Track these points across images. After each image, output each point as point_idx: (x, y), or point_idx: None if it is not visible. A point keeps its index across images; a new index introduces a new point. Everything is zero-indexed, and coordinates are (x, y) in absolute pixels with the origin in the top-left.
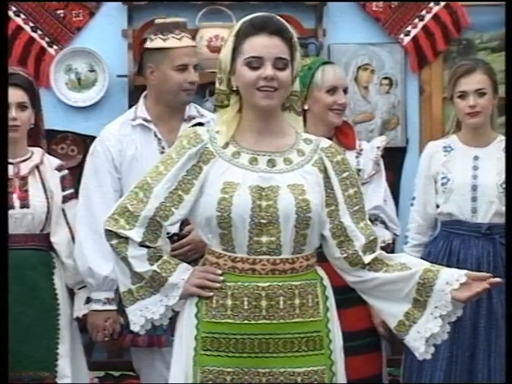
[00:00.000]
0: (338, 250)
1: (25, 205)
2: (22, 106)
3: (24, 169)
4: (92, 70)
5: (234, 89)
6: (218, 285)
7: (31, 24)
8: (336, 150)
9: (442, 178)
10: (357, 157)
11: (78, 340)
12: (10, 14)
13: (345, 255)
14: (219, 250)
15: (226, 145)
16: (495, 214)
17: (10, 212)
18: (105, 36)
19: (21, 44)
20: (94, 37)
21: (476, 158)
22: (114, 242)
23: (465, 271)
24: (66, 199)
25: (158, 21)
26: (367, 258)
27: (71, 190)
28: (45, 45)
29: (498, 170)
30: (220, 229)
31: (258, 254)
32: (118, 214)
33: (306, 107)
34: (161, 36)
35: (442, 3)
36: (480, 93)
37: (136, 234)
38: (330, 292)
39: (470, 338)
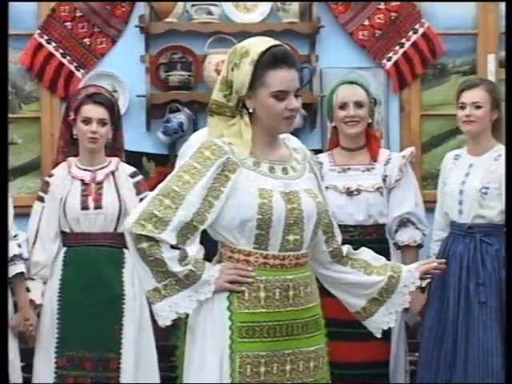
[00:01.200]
0: (324, 245)
1: (98, 206)
2: (102, 122)
3: (100, 175)
4: (114, 91)
5: (250, 111)
6: (250, 280)
7: (61, 51)
8: (314, 155)
9: (442, 183)
10: (385, 164)
11: (149, 327)
12: (42, 41)
13: (330, 249)
14: (249, 249)
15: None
16: (475, 216)
17: (85, 212)
18: (125, 61)
19: (52, 68)
20: (116, 62)
21: (471, 165)
22: (145, 245)
23: (417, 274)
24: (141, 202)
25: None
26: (344, 250)
27: (146, 193)
28: (73, 69)
29: (481, 177)
30: (257, 230)
31: (287, 250)
32: (143, 220)
33: (333, 124)
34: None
35: (420, 32)
36: (476, 106)
37: (169, 237)
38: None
39: (453, 324)
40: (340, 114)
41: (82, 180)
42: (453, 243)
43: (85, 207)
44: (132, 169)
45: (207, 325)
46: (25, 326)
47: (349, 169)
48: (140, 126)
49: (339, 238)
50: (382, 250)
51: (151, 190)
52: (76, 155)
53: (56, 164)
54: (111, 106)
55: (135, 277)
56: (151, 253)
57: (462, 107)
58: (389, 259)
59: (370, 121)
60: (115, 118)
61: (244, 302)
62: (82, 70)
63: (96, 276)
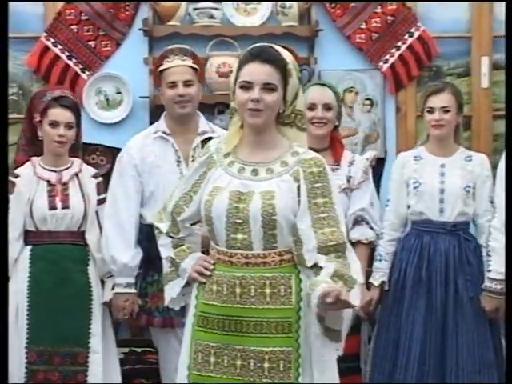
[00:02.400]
0: (294, 247)
1: (66, 206)
2: (69, 126)
3: (65, 176)
4: (118, 92)
5: (236, 108)
6: (207, 272)
7: (67, 53)
8: (315, 162)
9: (414, 183)
10: (349, 166)
11: (108, 321)
12: (49, 44)
13: (296, 253)
14: (212, 244)
15: (227, 155)
16: (459, 213)
17: (53, 212)
18: (129, 63)
19: (58, 70)
20: (120, 64)
21: (442, 165)
22: (156, 232)
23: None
24: (99, 202)
25: (167, 47)
26: (310, 262)
27: (104, 195)
28: (78, 71)
29: (461, 176)
30: (207, 225)
31: (234, 248)
32: (162, 209)
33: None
34: (167, 59)
35: (416, 35)
36: (445, 110)
37: (164, 226)
38: (305, 284)
39: (440, 320)
40: (308, 115)
41: (48, 181)
42: (432, 241)
43: (53, 207)
44: (94, 170)
45: (190, 313)
46: None
47: None
48: (143, 127)
49: (308, 245)
50: None
51: None
52: (36, 154)
53: (16, 162)
54: (77, 109)
55: (97, 274)
56: (158, 241)
57: (430, 111)
58: None
59: (337, 123)
60: (80, 121)
61: (204, 292)
62: (87, 72)
63: (63, 272)
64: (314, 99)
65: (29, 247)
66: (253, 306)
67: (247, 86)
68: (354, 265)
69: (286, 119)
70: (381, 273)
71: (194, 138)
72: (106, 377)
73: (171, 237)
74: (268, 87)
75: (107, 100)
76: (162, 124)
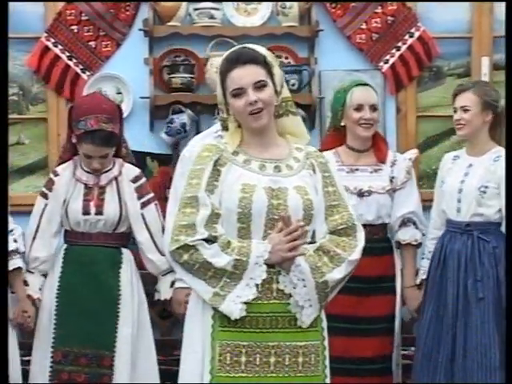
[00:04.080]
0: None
1: (99, 212)
2: (103, 157)
3: (103, 179)
4: (119, 93)
5: (230, 115)
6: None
7: (67, 53)
8: (320, 154)
9: (441, 182)
10: (391, 166)
11: (147, 325)
12: (49, 44)
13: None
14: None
15: (236, 153)
16: (473, 213)
17: (86, 217)
18: (129, 63)
19: (58, 71)
20: (120, 64)
21: (470, 165)
22: (185, 257)
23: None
24: (143, 205)
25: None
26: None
27: (148, 196)
28: (79, 71)
29: (480, 176)
30: (239, 223)
31: None
32: (176, 235)
33: (342, 124)
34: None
35: (416, 36)
36: (464, 109)
37: (201, 235)
38: None
39: (452, 319)
40: (355, 116)
41: (86, 184)
42: (450, 241)
43: (86, 212)
44: (134, 173)
45: (196, 313)
46: (23, 318)
47: (357, 169)
48: (144, 127)
49: (322, 232)
50: (388, 248)
51: (154, 189)
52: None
53: (61, 160)
54: (111, 140)
55: (133, 276)
56: (194, 261)
57: (455, 111)
58: (392, 256)
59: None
60: (116, 143)
61: None
62: (87, 73)
63: (94, 275)
64: (361, 100)
65: (65, 246)
66: (288, 301)
67: (239, 93)
68: (360, 244)
69: (280, 109)
70: (422, 271)
71: None
72: (144, 378)
73: (211, 240)
74: (259, 85)
75: None
76: None
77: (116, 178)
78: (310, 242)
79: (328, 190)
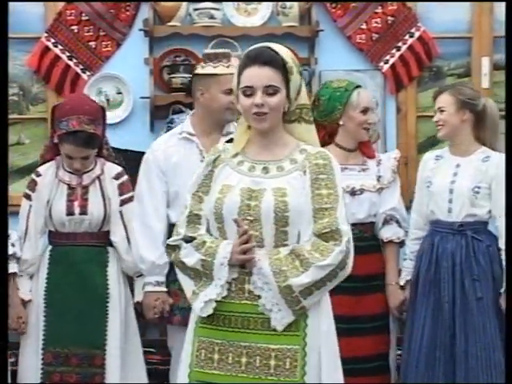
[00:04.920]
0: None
1: (83, 212)
2: (85, 158)
3: (86, 179)
4: (119, 93)
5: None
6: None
7: (67, 54)
8: (321, 155)
9: (427, 182)
10: (377, 165)
11: (133, 323)
12: (49, 44)
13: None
14: None
15: (236, 155)
16: (467, 213)
17: (71, 218)
18: (130, 63)
19: (58, 71)
20: (121, 64)
21: (458, 165)
22: (172, 256)
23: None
24: (123, 203)
25: (207, 51)
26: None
27: (129, 195)
28: (79, 71)
29: (472, 176)
30: (216, 223)
31: None
32: (173, 237)
33: (341, 123)
34: (211, 64)
35: (416, 36)
36: (441, 110)
37: (178, 235)
38: None
39: (449, 320)
40: (361, 118)
41: (69, 184)
42: (441, 241)
43: (70, 213)
44: (116, 170)
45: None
46: (17, 324)
47: (346, 168)
48: (144, 127)
49: (307, 235)
50: (377, 245)
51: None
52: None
53: (43, 160)
54: (93, 141)
55: (120, 275)
56: (176, 260)
57: (435, 113)
58: (381, 254)
59: None
60: (97, 144)
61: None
62: (87, 73)
63: (81, 274)
64: (369, 103)
65: (50, 247)
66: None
67: (249, 92)
68: (336, 249)
69: (292, 116)
70: (406, 272)
71: (218, 138)
72: (132, 377)
73: (190, 239)
74: (270, 90)
75: (107, 100)
76: (187, 124)
77: (98, 177)
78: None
79: (320, 193)
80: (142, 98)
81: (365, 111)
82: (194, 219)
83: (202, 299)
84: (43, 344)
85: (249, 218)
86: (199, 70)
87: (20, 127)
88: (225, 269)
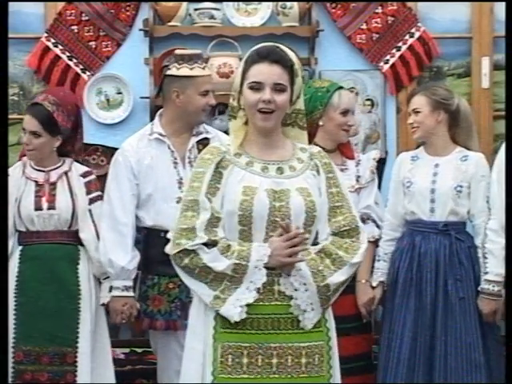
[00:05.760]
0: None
1: (51, 207)
2: (34, 134)
3: (53, 176)
4: (119, 93)
5: (242, 107)
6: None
7: (67, 54)
8: (324, 154)
9: (407, 182)
10: (356, 165)
11: (102, 321)
12: (49, 44)
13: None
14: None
15: (239, 155)
16: (450, 213)
17: (39, 213)
18: (130, 63)
19: (58, 71)
20: (121, 64)
21: (437, 165)
22: (186, 260)
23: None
24: (91, 201)
25: (180, 51)
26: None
27: (97, 193)
28: (79, 71)
29: (453, 176)
30: (240, 225)
31: None
32: (177, 239)
33: (320, 123)
34: (186, 65)
35: (416, 36)
36: (416, 111)
37: (200, 239)
38: None
39: (430, 319)
40: (341, 120)
41: (36, 181)
42: (423, 241)
43: (38, 208)
44: (84, 168)
45: (198, 315)
46: None
47: None
48: (144, 127)
49: (325, 234)
50: None
51: None
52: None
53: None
54: (46, 118)
55: (90, 273)
56: (194, 265)
57: (409, 115)
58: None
59: None
60: (54, 130)
61: None
62: (87, 73)
63: (51, 272)
64: (349, 105)
65: (20, 247)
66: (289, 303)
67: (257, 87)
68: (362, 246)
69: (288, 119)
70: (379, 273)
71: (189, 139)
72: (100, 376)
73: (212, 244)
74: (278, 88)
75: (108, 100)
76: (157, 125)
77: (66, 174)
78: (314, 244)
79: (332, 191)
80: (142, 97)
81: (345, 113)
82: (213, 222)
83: (236, 304)
84: (14, 343)
85: (276, 219)
86: (174, 72)
87: (20, 127)
88: (260, 272)
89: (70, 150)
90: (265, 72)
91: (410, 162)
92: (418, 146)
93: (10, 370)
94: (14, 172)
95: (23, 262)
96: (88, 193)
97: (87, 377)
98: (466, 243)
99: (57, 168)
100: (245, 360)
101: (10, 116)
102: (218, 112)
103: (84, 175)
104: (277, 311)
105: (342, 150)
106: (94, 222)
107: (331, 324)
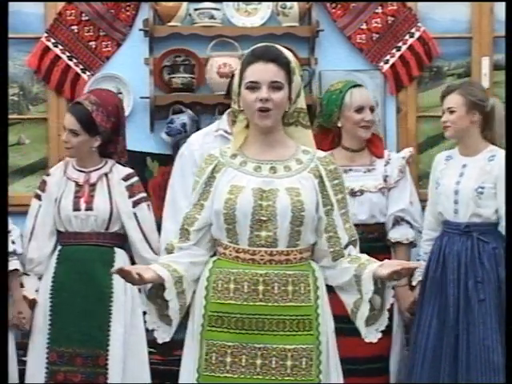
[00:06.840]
0: (327, 244)
1: (89, 208)
2: (73, 132)
3: (94, 177)
4: (119, 93)
5: (242, 108)
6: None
7: (67, 54)
8: (330, 160)
9: (436, 183)
10: (385, 165)
11: (140, 322)
12: (49, 44)
13: (331, 250)
14: (225, 242)
15: (235, 156)
16: (472, 214)
17: (77, 213)
18: (130, 63)
19: (59, 71)
20: (121, 64)
21: (464, 166)
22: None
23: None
24: (135, 204)
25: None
26: (346, 253)
27: (140, 195)
28: (79, 71)
29: (476, 177)
30: (226, 224)
31: (258, 246)
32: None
33: (339, 125)
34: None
35: (417, 36)
36: (451, 111)
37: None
38: (320, 282)
39: (453, 320)
40: (356, 118)
41: (76, 181)
42: (448, 242)
43: (76, 208)
44: (126, 171)
45: (194, 312)
46: (18, 320)
47: (350, 170)
48: (144, 127)
49: (344, 240)
50: (383, 247)
51: (154, 189)
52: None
53: (59, 161)
54: (84, 117)
55: None
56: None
57: (443, 113)
58: (390, 256)
59: None
60: (92, 129)
61: (217, 292)
62: (87, 73)
63: (86, 274)
64: (362, 101)
65: (59, 248)
66: (276, 304)
67: (254, 87)
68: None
69: (290, 118)
70: (418, 272)
71: None
72: (135, 377)
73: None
74: (275, 86)
75: None
76: (223, 122)
77: (106, 176)
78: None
79: (338, 198)
80: (142, 98)
81: (359, 110)
82: (185, 232)
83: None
84: (48, 343)
85: (262, 218)
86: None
87: (20, 127)
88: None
89: (113, 152)
90: (261, 71)
91: (444, 162)
92: (419, 146)
93: (44, 371)
94: (56, 172)
95: (60, 262)
96: (131, 196)
97: (118, 379)
98: (491, 245)
99: (98, 169)
100: (228, 359)
101: (10, 116)
102: (219, 112)
103: (126, 178)
104: (261, 311)
105: (371, 148)
106: (139, 224)
107: (325, 328)
